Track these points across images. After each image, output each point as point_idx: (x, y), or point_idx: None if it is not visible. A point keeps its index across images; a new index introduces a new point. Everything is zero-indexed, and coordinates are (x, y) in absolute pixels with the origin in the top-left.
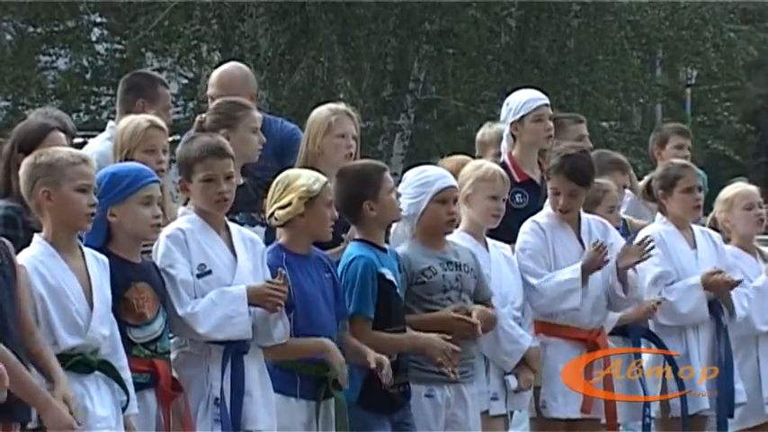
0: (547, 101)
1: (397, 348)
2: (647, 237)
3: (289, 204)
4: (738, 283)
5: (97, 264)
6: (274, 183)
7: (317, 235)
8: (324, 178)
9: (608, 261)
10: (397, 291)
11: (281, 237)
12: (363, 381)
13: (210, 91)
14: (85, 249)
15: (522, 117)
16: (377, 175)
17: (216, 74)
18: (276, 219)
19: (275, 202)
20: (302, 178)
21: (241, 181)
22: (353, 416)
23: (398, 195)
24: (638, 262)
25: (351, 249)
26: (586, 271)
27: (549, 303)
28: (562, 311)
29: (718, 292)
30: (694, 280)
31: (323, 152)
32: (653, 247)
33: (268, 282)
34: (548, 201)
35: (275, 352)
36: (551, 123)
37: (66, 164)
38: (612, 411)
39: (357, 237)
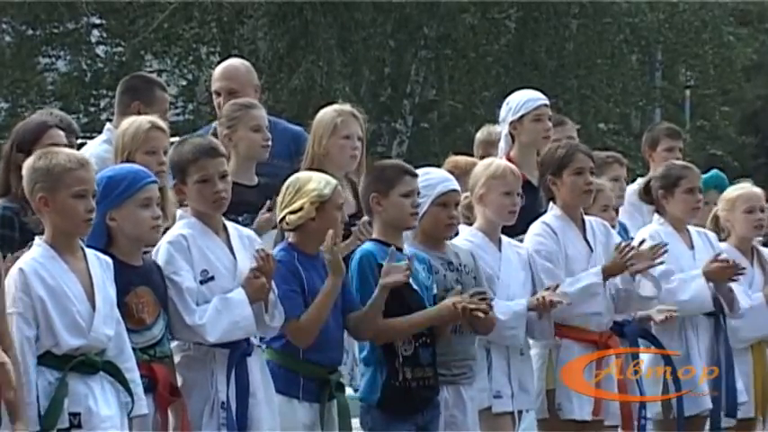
0: (547, 101)
1: (409, 328)
2: (661, 243)
3: (300, 209)
4: (742, 270)
5: (100, 264)
6: (284, 186)
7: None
8: (334, 181)
9: (632, 265)
10: (413, 287)
11: (292, 236)
12: (384, 382)
13: (216, 86)
14: (88, 250)
15: (522, 116)
16: (397, 174)
17: (219, 68)
18: (287, 223)
19: (286, 207)
20: (313, 182)
21: (255, 180)
22: (375, 418)
23: (416, 205)
24: (650, 266)
25: (360, 246)
26: (608, 274)
27: (571, 307)
28: (583, 314)
29: (719, 279)
30: (696, 271)
31: (328, 153)
32: (666, 252)
33: (256, 254)
34: (551, 204)
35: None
36: (550, 124)
37: (63, 170)
38: (628, 413)
39: (373, 236)
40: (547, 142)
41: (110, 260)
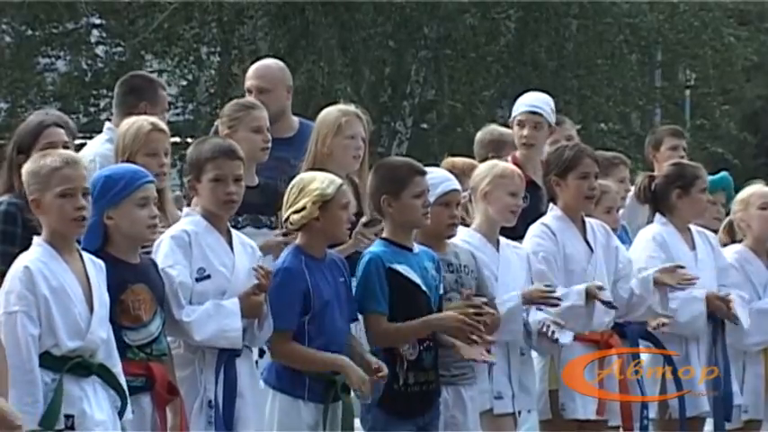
0: (536, 108)
1: (409, 335)
2: (693, 276)
3: (303, 209)
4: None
5: (94, 267)
6: (289, 186)
7: (333, 237)
8: (339, 180)
9: (611, 303)
10: (422, 288)
11: (298, 238)
12: (386, 382)
13: (247, 84)
14: (83, 253)
15: (513, 120)
16: (407, 174)
17: (253, 67)
18: (291, 223)
19: (290, 207)
20: (316, 182)
21: (255, 181)
22: (375, 418)
23: (427, 204)
24: (672, 286)
25: (370, 248)
26: (592, 297)
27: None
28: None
29: (718, 312)
30: (699, 293)
31: (332, 153)
32: (694, 285)
33: (256, 272)
34: (551, 205)
35: (288, 358)
36: (531, 131)
37: (49, 170)
38: (628, 412)
39: (383, 235)
40: (526, 149)
41: (103, 264)
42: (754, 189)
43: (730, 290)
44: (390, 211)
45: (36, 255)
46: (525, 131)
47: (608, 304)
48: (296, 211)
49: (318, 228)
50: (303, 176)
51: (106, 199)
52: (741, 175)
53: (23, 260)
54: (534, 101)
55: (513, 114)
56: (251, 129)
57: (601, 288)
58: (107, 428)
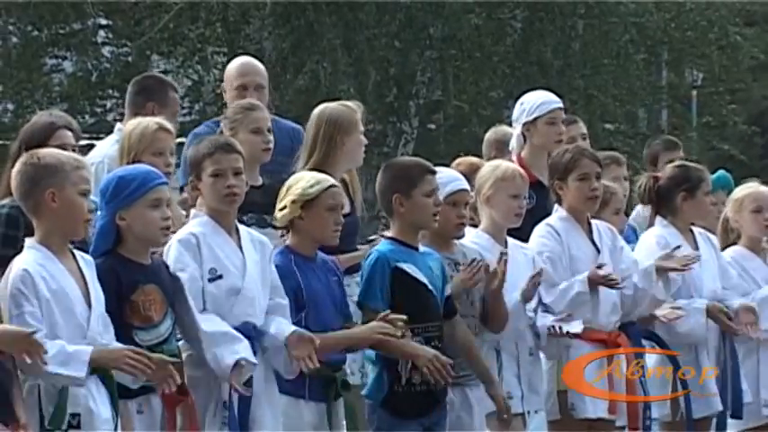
0: (561, 104)
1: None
2: (695, 255)
3: (285, 207)
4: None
5: (86, 264)
6: (284, 185)
7: (319, 239)
8: (328, 182)
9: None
10: (429, 288)
11: (289, 239)
12: (390, 382)
13: (244, 80)
14: (74, 251)
15: (536, 118)
16: (419, 173)
17: (240, 64)
18: (277, 221)
19: (278, 204)
20: (302, 181)
21: (260, 181)
22: (380, 418)
23: (438, 204)
24: (676, 269)
25: (377, 246)
26: (593, 283)
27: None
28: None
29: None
30: (700, 304)
31: (348, 149)
32: (696, 261)
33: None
34: (556, 206)
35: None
36: (564, 128)
37: (71, 167)
38: (634, 412)
39: (390, 234)
40: (559, 146)
41: (91, 258)
42: (749, 191)
43: (732, 292)
44: (402, 210)
45: (32, 257)
46: (562, 127)
47: (611, 282)
48: (280, 210)
49: (303, 227)
50: (295, 176)
51: (119, 200)
52: (748, 174)
53: (20, 263)
54: (555, 97)
55: (538, 114)
56: (250, 130)
57: (601, 266)
58: (110, 427)
